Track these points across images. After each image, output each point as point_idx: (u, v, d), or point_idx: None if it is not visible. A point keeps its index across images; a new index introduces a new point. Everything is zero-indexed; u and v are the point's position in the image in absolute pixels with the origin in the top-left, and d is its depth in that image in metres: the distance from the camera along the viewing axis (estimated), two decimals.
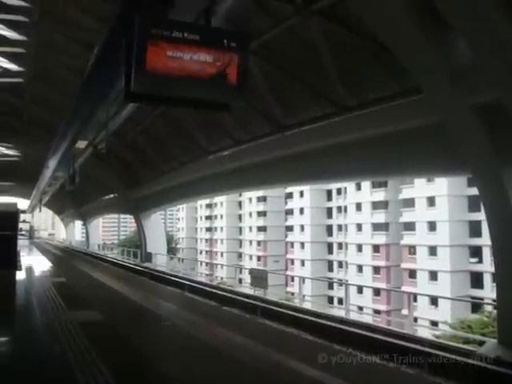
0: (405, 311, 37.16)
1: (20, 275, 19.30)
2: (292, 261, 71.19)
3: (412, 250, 52.21)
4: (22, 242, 36.55)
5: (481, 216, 31.46)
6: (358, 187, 59.26)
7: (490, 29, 7.28)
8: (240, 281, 37.75)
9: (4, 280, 17.09)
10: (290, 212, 73.37)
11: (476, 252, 47.06)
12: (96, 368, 7.02)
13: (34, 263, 26.31)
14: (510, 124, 8.45)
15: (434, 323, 35.79)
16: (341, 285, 54.25)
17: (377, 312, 46.51)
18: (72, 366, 7.12)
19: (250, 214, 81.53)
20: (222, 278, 53.67)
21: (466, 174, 14.22)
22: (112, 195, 38.35)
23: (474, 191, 25.00)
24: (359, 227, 59.61)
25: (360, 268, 58.19)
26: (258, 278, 17.65)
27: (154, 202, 31.49)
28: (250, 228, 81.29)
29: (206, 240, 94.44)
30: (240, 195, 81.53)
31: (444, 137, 9.97)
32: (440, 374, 7.68)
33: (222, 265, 77.43)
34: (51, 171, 22.25)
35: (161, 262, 31.58)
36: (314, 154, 14.91)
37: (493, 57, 7.69)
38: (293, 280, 54.14)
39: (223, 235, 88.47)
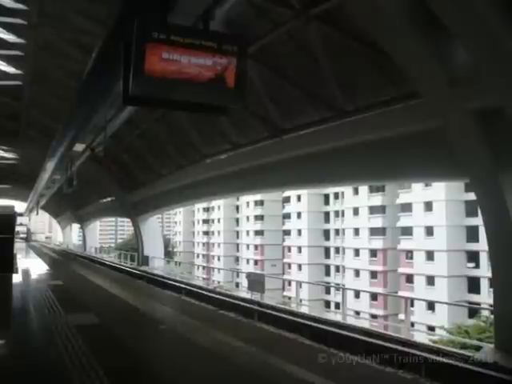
0: (402, 316, 37.14)
1: (16, 278, 19.23)
2: (289, 265, 71.17)
3: (409, 254, 52.23)
4: (18, 245, 36.45)
5: (478, 221, 31.51)
6: (356, 192, 59.34)
7: (488, 34, 7.31)
8: (237, 285, 37.77)
9: (0, 283, 17.03)
10: (287, 216, 73.40)
11: (473, 257, 47.11)
12: (92, 371, 7.00)
13: (30, 266, 26.23)
14: (508, 129, 8.48)
15: (431, 328, 35.77)
16: (338, 289, 54.19)
17: (374, 317, 46.47)
18: (68, 369, 7.10)
19: (248, 218, 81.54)
20: (219, 282, 53.64)
21: (464, 179, 14.25)
22: (109, 198, 38.35)
23: (472, 196, 25.06)
24: (356, 232, 59.63)
25: (357, 272, 58.20)
26: (255, 281, 17.67)
27: (151, 206, 31.49)
28: (248, 232, 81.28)
29: (203, 244, 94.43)
30: (237, 199, 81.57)
31: (442, 141, 10.00)
32: (437, 378, 7.68)
33: (219, 269, 77.40)
34: (49, 174, 22.22)
35: (158, 265, 31.56)
36: (312, 158, 14.94)
37: (491, 62, 7.71)
38: (290, 284, 54.13)
39: (220, 239, 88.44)
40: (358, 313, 42.88)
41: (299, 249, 69.20)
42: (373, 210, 57.86)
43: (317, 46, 11.36)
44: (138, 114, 17.44)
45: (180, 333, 10.39)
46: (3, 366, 7.60)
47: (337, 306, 51.22)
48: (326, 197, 68.00)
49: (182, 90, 4.95)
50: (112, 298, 15.74)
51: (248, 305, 15.75)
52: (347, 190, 59.83)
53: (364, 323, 24.53)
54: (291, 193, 67.98)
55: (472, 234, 45.77)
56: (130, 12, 5.55)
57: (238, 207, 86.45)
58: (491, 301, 10.99)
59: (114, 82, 6.92)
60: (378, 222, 57.22)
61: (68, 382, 6.56)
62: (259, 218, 78.75)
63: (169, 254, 76.73)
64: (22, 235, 60.05)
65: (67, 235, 70.44)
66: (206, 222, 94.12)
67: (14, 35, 16.90)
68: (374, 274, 56.44)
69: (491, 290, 11.47)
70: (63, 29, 15.59)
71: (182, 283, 22.00)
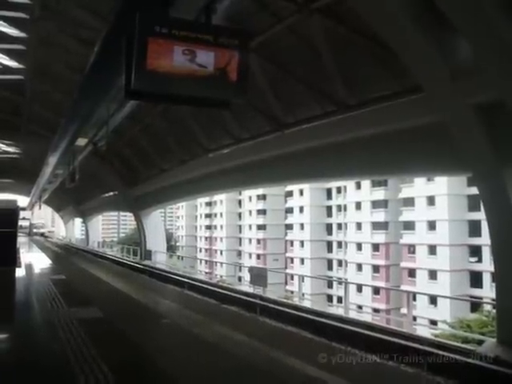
0: (404, 310, 37.20)
1: (20, 272, 19.31)
2: (291, 259, 71.24)
3: (411, 249, 52.25)
4: (21, 239, 36.54)
5: (480, 215, 31.47)
6: (358, 186, 59.29)
7: (490, 28, 7.27)
8: (239, 279, 37.83)
9: (4, 277, 17.10)
10: (289, 210, 73.41)
11: (475, 251, 47.10)
12: (95, 364, 7.03)
13: (33, 260, 26.32)
14: (511, 123, 8.45)
15: (433, 322, 35.83)
16: (340, 283, 54.26)
17: (376, 311, 46.55)
18: (71, 362, 7.13)
19: (250, 212, 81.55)
20: (221, 276, 53.74)
21: (466, 173, 14.21)
22: (112, 193, 38.36)
23: (474, 190, 24.98)
24: (359, 226, 59.64)
25: (359, 267, 58.25)
26: (258, 276, 17.63)
27: (153, 200, 31.49)
28: (250, 226, 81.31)
29: (206, 238, 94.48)
30: (240, 193, 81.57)
31: (444, 136, 9.97)
32: (439, 372, 7.69)
33: (221, 263, 77.53)
34: (51, 168, 22.25)
35: (160, 259, 31.60)
36: (314, 152, 14.91)
37: (493, 56, 7.68)
38: (292, 278, 54.20)
39: (223, 233, 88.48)
40: (360, 307, 42.95)
41: (302, 243, 69.26)
42: (375, 204, 57.86)
43: (319, 39, 11.32)
44: (140, 109, 17.42)
45: (183, 327, 10.43)
46: (6, 359, 7.65)
47: (339, 300, 51.26)
48: (329, 191, 68.00)
49: (184, 85, 4.94)
50: (115, 292, 15.79)
51: (250, 299, 15.75)
52: (350, 184, 59.82)
53: (366, 317, 24.56)
54: (294, 187, 67.97)
55: (474, 228, 45.74)
56: (132, 6, 5.54)
57: (240, 201, 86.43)
58: (493, 295, 10.99)
59: (116, 76, 6.92)
60: (380, 216, 57.21)
61: (71, 376, 6.59)
62: (261, 212, 78.73)
63: (171, 248, 76.90)
64: (24, 229, 60.40)
65: (70, 229, 70.57)
66: (208, 216, 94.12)
67: (16, 29, 16.91)
68: (376, 268, 56.48)
69: (493, 284, 11.48)
70: (65, 23, 15.57)
71: (185, 277, 22.00)
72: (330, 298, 58.19)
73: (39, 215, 70.53)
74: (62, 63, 19.21)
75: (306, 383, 6.60)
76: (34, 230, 72.66)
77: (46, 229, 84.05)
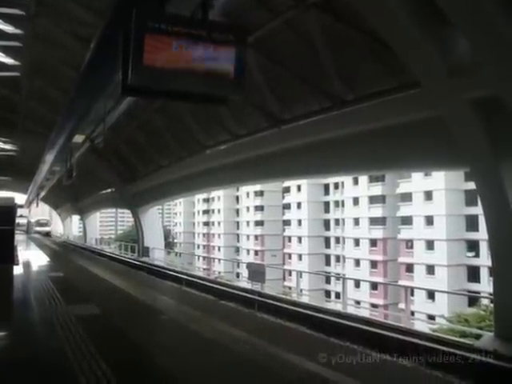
0: (402, 305, 37.24)
1: (18, 270, 19.27)
2: (289, 255, 71.29)
3: (409, 244, 52.34)
4: (19, 237, 36.47)
5: (478, 210, 31.51)
6: (356, 181, 59.34)
7: (489, 24, 7.27)
8: (237, 275, 37.82)
9: (1, 275, 17.06)
10: (287, 206, 73.44)
11: (473, 246, 47.19)
12: (94, 361, 7.02)
13: (31, 258, 26.27)
14: (508, 118, 8.47)
15: (431, 317, 35.90)
16: (338, 279, 54.33)
17: (374, 306, 46.61)
18: (69, 360, 7.12)
19: (248, 209, 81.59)
20: (219, 273, 53.74)
21: (464, 168, 14.25)
22: (109, 190, 38.32)
23: (472, 185, 25.05)
24: (356, 221, 59.71)
25: (357, 262, 58.33)
26: (256, 272, 17.70)
27: (151, 197, 31.49)
28: (248, 222, 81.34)
29: (204, 234, 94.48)
30: (237, 189, 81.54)
31: (442, 131, 9.98)
32: (437, 367, 7.71)
33: (219, 259, 77.59)
34: (48, 166, 22.21)
35: (158, 256, 31.61)
36: (311, 148, 14.91)
37: (491, 52, 7.68)
38: (290, 274, 54.22)
39: (220, 229, 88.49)
40: (358, 302, 43.01)
41: (299, 239, 69.32)
42: (373, 199, 57.90)
43: (316, 35, 11.31)
44: (138, 106, 17.39)
45: (181, 323, 10.42)
46: (4, 356, 7.64)
47: (337, 295, 51.31)
48: (326, 187, 68.02)
49: (180, 81, 4.92)
50: (112, 289, 15.77)
51: (249, 295, 15.79)
52: (347, 179, 59.82)
53: (364, 312, 24.61)
54: (291, 183, 67.97)
55: (472, 223, 45.82)
56: (128, 2, 5.52)
57: (237, 198, 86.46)
58: (491, 289, 11.03)
59: (112, 72, 6.89)
60: (377, 211, 57.27)
61: (69, 372, 6.59)
62: (259, 208, 78.78)
63: (169, 244, 76.84)
64: (22, 227, 59.53)
65: (67, 227, 70.39)
66: (206, 212, 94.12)
67: (11, 26, 16.83)
68: (374, 264, 56.57)
69: (491, 278, 11.51)
70: (61, 19, 15.51)
71: (183, 274, 22.05)
72: (328, 293, 58.21)
73: (36, 213, 68.86)
74: (58, 60, 19.14)
75: (305, 379, 6.60)
76: (37, 229, 66.16)
77: (51, 227, 71.67)
